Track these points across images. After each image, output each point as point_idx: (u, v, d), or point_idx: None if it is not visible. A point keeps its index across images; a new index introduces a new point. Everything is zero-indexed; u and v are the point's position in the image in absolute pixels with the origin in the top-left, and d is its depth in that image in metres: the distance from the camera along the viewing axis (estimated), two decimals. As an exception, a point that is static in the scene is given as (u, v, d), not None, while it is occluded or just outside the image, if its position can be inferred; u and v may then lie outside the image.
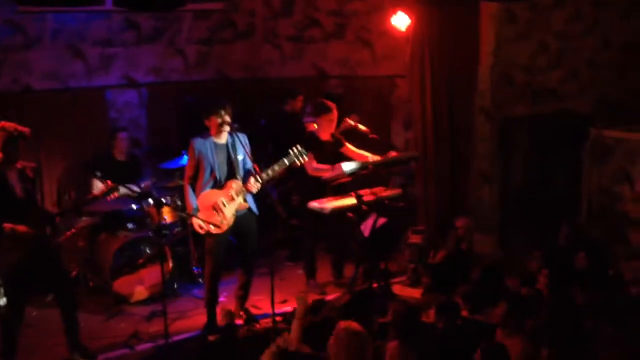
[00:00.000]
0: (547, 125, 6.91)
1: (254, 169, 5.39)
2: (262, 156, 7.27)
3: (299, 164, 5.46)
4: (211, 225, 5.26)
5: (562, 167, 6.99)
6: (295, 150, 5.42)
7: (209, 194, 5.36)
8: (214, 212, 5.33)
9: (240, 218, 5.46)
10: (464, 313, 5.10)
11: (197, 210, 5.33)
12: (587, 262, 5.54)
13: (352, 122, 6.54)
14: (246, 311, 5.77)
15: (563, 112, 6.98)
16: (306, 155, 5.47)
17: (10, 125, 4.78)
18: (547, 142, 6.93)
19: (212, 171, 5.37)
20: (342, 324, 3.74)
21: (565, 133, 6.91)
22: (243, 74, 8.31)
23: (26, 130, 4.83)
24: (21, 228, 4.73)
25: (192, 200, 5.38)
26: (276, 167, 5.42)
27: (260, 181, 5.36)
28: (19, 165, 4.90)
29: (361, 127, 6.48)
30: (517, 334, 4.24)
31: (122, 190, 5.86)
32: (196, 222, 5.31)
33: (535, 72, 6.91)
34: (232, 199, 5.38)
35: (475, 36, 6.66)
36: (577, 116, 6.99)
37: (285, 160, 5.41)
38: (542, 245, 6.06)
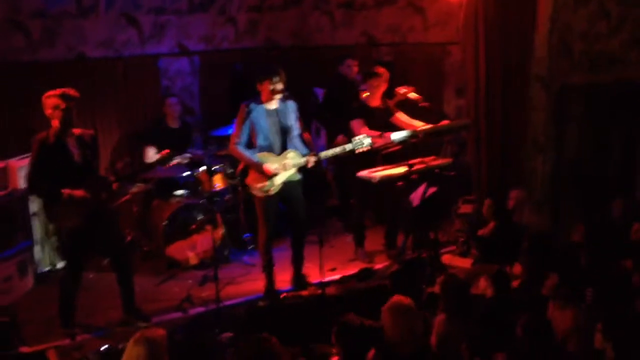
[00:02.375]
0: (605, 95, 6.68)
1: (306, 138, 5.40)
2: (321, 124, 7.31)
3: (358, 152, 5.53)
4: (258, 189, 5.30)
5: (619, 139, 6.78)
6: (360, 138, 5.49)
7: (263, 157, 5.39)
8: (264, 176, 5.38)
9: (288, 185, 5.49)
10: (515, 284, 5.06)
11: (263, 162, 5.35)
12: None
13: (402, 91, 6.47)
14: (303, 278, 5.82)
15: (622, 81, 6.73)
16: (368, 145, 5.51)
17: (54, 92, 4.87)
18: (605, 112, 6.71)
19: (265, 136, 5.39)
20: (394, 298, 3.74)
21: (624, 103, 6.68)
22: (293, 41, 8.28)
23: (73, 91, 4.90)
24: (79, 193, 4.84)
25: (253, 156, 5.38)
26: (337, 150, 5.51)
27: (316, 160, 5.41)
28: (77, 132, 5.00)
29: (412, 95, 6.41)
30: (569, 307, 4.17)
31: (176, 158, 5.95)
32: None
33: (594, 40, 6.67)
34: (286, 168, 5.41)
35: (532, 1, 6.46)
36: (637, 86, 6.75)
37: (346, 147, 5.49)
38: (593, 217, 5.92)
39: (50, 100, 4.85)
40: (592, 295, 4.39)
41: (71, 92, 4.89)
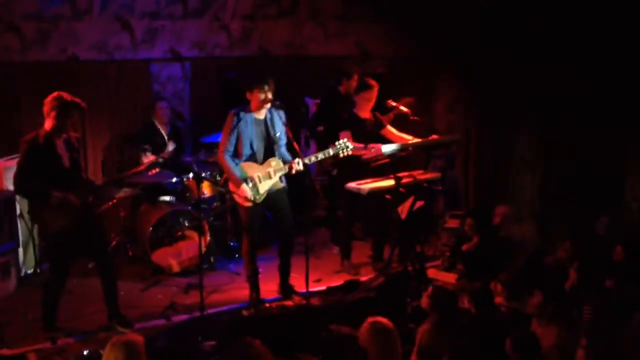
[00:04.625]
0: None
1: (295, 148, 5.40)
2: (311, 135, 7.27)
3: (342, 156, 5.54)
4: (243, 197, 5.30)
5: (607, 156, 6.82)
6: (341, 143, 5.49)
7: (247, 167, 5.40)
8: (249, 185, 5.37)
9: (274, 194, 5.49)
10: (500, 300, 5.06)
11: (244, 179, 5.35)
12: (624, 255, 5.40)
13: (393, 104, 6.49)
14: (290, 287, 5.80)
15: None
16: (350, 149, 5.53)
17: (66, 95, 4.86)
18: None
19: (251, 145, 5.39)
20: (370, 319, 3.67)
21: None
22: (285, 51, 8.29)
23: (82, 103, 4.91)
24: (72, 198, 4.83)
25: (236, 171, 5.37)
26: (320, 156, 5.50)
27: (302, 165, 5.39)
28: (64, 135, 4.98)
29: (403, 108, 6.43)
30: (552, 324, 4.19)
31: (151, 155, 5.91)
32: (245, 188, 5.32)
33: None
34: (270, 176, 5.41)
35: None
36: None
37: (330, 151, 5.49)
38: (579, 234, 5.94)
39: (59, 101, 4.82)
40: (578, 313, 4.41)
41: (70, 96, 4.88)
